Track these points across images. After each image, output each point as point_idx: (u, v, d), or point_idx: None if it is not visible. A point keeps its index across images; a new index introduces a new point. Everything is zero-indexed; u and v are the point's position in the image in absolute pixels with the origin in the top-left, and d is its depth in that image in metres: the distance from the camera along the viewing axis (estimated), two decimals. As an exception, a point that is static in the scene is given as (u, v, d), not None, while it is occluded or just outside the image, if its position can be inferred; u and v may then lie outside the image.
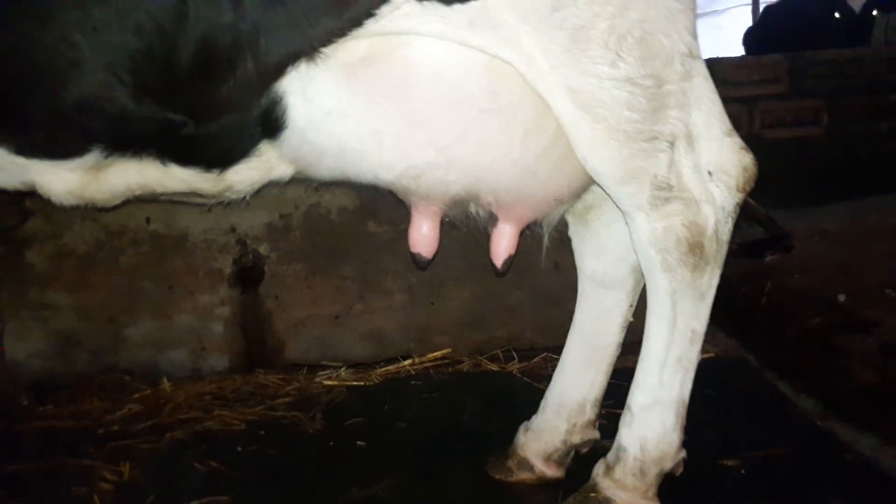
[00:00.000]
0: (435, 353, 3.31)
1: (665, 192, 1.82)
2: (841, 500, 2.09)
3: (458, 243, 3.02)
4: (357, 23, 1.67)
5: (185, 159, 1.88)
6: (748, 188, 1.90)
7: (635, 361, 2.01)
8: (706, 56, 1.92)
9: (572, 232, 2.27)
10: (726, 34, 11.93)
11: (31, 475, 2.42)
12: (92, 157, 1.82)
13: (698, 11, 1.89)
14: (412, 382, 3.10)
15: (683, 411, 1.97)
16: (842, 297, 3.05)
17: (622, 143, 1.77)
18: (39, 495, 2.31)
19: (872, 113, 4.70)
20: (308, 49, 1.69)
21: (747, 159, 1.90)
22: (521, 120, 1.82)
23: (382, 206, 3.26)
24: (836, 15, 6.76)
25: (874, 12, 6.65)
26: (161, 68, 1.66)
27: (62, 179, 1.88)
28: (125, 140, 1.82)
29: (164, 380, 3.12)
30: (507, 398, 2.88)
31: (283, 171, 1.97)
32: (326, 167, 1.93)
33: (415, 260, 2.09)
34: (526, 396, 2.69)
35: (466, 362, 3.26)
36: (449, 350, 3.32)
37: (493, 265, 2.09)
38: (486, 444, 2.41)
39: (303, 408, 2.85)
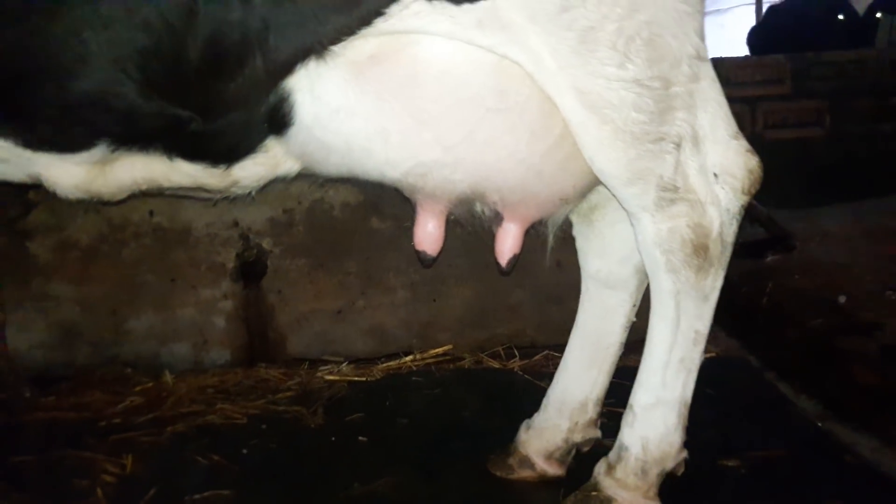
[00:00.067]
0: (436, 350, 3.32)
1: (671, 193, 1.82)
2: (841, 502, 2.10)
3: (461, 241, 3.02)
4: (366, 21, 1.67)
5: (191, 154, 1.89)
6: (753, 191, 1.91)
7: (636, 360, 2.02)
8: (709, 55, 1.92)
9: (576, 231, 2.27)
10: (729, 33, 11.94)
11: (33, 467, 2.43)
12: (99, 152, 1.82)
13: (701, 10, 1.90)
14: (413, 379, 3.11)
15: (685, 411, 1.98)
16: (842, 299, 3.06)
17: (629, 144, 1.77)
18: (42, 487, 2.31)
19: (875, 114, 4.72)
20: (317, 47, 1.69)
21: (753, 162, 1.91)
22: (528, 120, 1.83)
23: (386, 202, 3.27)
24: (840, 16, 6.75)
25: (878, 14, 6.65)
26: (169, 64, 1.67)
27: (69, 173, 1.88)
28: (132, 135, 1.82)
29: (166, 373, 3.13)
30: (508, 395, 2.89)
31: (289, 167, 1.98)
32: (333, 164, 1.93)
33: (420, 258, 2.10)
34: (527, 394, 2.71)
35: (468, 359, 3.27)
36: (450, 347, 3.33)
37: (497, 264, 2.10)
38: (487, 441, 2.42)
39: (304, 402, 2.86)
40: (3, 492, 2.29)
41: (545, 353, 3.22)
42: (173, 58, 1.65)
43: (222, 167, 1.91)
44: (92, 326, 3.21)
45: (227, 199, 2.17)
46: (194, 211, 3.24)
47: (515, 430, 2.35)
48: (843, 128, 4.68)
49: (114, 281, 3.21)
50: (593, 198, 2.17)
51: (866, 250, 3.65)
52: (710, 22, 1.91)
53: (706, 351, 1.98)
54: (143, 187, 1.98)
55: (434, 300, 3.37)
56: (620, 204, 1.92)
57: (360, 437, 2.59)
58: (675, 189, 1.82)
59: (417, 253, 2.09)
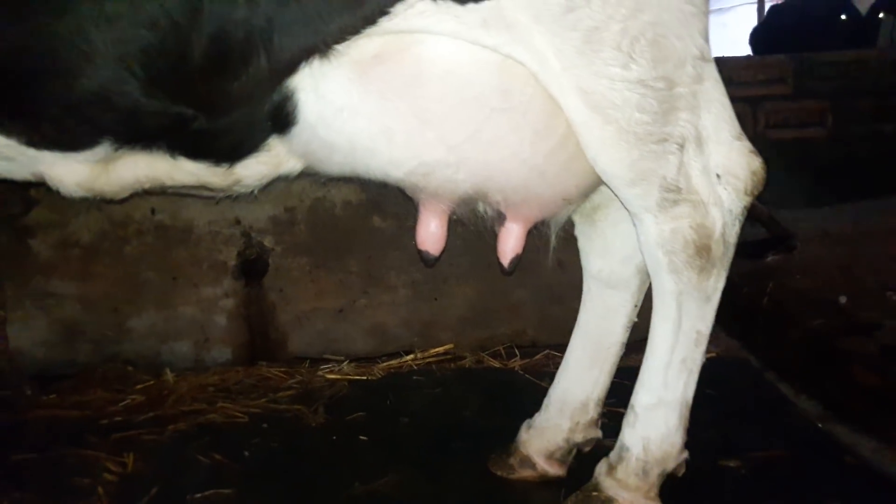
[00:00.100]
0: (437, 349, 3.32)
1: (674, 194, 1.82)
2: (841, 503, 2.10)
3: (462, 240, 3.03)
4: (371, 20, 1.67)
5: (194, 153, 1.89)
6: (756, 192, 1.91)
7: (637, 360, 2.03)
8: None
9: (579, 231, 2.27)
10: (731, 32, 11.94)
11: (34, 465, 2.43)
12: (102, 150, 1.82)
13: (703, 9, 1.89)
14: (414, 378, 3.11)
15: (687, 412, 1.98)
16: (843, 299, 3.06)
17: (632, 144, 1.77)
18: (43, 486, 2.31)
19: (877, 115, 4.70)
20: (321, 46, 1.69)
21: (756, 163, 1.91)
22: (532, 120, 1.83)
23: (387, 200, 3.27)
24: (843, 16, 6.74)
25: (881, 14, 6.64)
26: (174, 63, 1.66)
27: (72, 171, 1.88)
28: (136, 133, 1.82)
29: (168, 371, 3.13)
30: (509, 395, 2.89)
31: (292, 165, 1.98)
32: (336, 163, 1.93)
33: (422, 258, 2.10)
34: (528, 393, 2.71)
35: (469, 358, 3.28)
36: (451, 346, 3.33)
37: (499, 264, 2.10)
38: (488, 440, 2.42)
39: (305, 401, 2.87)
40: (4, 490, 2.29)
41: (546, 352, 3.22)
42: (178, 56, 1.65)
43: (225, 166, 1.91)
44: (93, 324, 3.21)
45: (229, 198, 2.17)
46: (196, 209, 3.24)
47: (516, 429, 2.36)
48: (844, 128, 4.66)
49: (115, 279, 3.21)
50: (596, 198, 2.17)
51: (867, 251, 3.65)
52: (711, 21, 1.90)
53: (707, 351, 1.98)
54: (146, 186, 1.98)
55: (435, 299, 3.37)
56: (623, 204, 1.92)
57: (362, 437, 2.59)
58: (678, 190, 1.82)
59: (420, 253, 2.10)
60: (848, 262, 3.50)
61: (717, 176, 1.88)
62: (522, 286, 3.36)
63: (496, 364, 3.23)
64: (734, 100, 1.94)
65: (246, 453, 2.49)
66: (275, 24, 1.64)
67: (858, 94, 4.66)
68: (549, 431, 2.28)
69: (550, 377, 2.38)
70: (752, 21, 12.18)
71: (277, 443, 2.57)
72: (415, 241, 2.10)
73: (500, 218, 2.04)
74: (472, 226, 2.08)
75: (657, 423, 1.96)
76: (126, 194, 2.00)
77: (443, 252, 2.11)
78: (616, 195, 1.92)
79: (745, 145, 1.91)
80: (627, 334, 2.26)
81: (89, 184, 1.91)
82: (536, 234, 2.16)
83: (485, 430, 2.57)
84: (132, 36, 1.63)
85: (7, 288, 3.15)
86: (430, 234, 2.06)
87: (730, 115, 1.90)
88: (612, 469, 2.00)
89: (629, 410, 2.01)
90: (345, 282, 3.33)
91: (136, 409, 2.83)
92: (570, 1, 1.65)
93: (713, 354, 3.08)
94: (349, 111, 1.79)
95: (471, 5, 1.66)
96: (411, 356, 3.29)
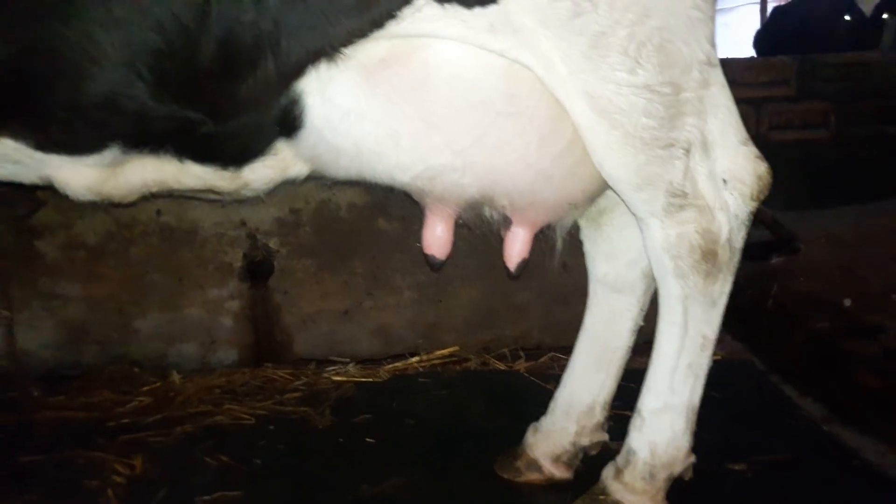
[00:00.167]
0: (443, 351, 3.32)
1: (680, 199, 1.83)
2: (846, 506, 2.12)
3: (467, 242, 3.04)
4: (378, 24, 1.68)
5: (202, 157, 1.89)
6: (762, 197, 1.92)
7: (643, 363, 2.03)
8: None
9: (584, 235, 2.28)
10: (734, 33, 11.93)
11: (42, 467, 2.44)
12: (110, 154, 1.83)
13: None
14: (420, 379, 3.12)
15: (693, 416, 1.98)
16: (847, 302, 3.06)
17: (638, 149, 1.78)
18: (53, 487, 2.32)
19: (880, 116, 4.70)
20: (328, 49, 1.69)
21: (762, 168, 1.91)
22: (538, 124, 1.83)
23: (393, 203, 3.27)
24: (846, 17, 6.73)
25: (884, 15, 6.63)
26: (182, 66, 1.67)
27: (80, 175, 1.89)
28: (143, 137, 1.82)
29: (174, 372, 3.13)
30: (514, 397, 2.90)
31: (299, 169, 1.98)
32: (343, 167, 1.93)
33: (428, 261, 2.10)
34: (533, 396, 2.72)
35: (474, 360, 3.28)
36: (456, 348, 3.34)
37: (506, 268, 2.10)
38: (494, 442, 2.43)
39: (312, 403, 2.87)
40: (12, 492, 2.30)
41: (551, 354, 3.22)
42: (186, 59, 1.65)
43: (233, 169, 1.92)
44: (99, 325, 3.21)
45: (236, 201, 2.18)
46: (202, 210, 3.24)
47: (522, 431, 2.36)
48: (848, 130, 4.66)
49: (121, 280, 3.22)
50: (601, 202, 2.17)
51: (871, 253, 3.65)
52: (713, 21, 1.90)
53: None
54: (154, 189, 1.99)
55: (440, 301, 3.38)
56: (629, 209, 1.93)
57: (368, 439, 2.60)
58: (684, 195, 1.83)
59: (426, 257, 2.10)
60: (851, 265, 3.50)
61: (724, 181, 1.89)
62: (527, 288, 3.36)
63: (501, 366, 3.24)
64: (737, 101, 1.94)
65: (254, 456, 2.50)
66: (282, 28, 1.65)
67: (862, 95, 4.65)
68: (556, 435, 2.29)
69: (555, 380, 2.39)
70: (755, 21, 12.18)
71: (284, 444, 2.58)
72: (420, 244, 2.11)
73: (507, 222, 2.04)
74: (478, 230, 2.08)
75: (664, 428, 1.97)
76: (134, 198, 2.00)
77: (449, 256, 2.12)
78: (622, 200, 1.92)
79: (752, 150, 1.92)
80: (633, 338, 2.26)
81: (97, 187, 1.91)
82: (541, 237, 2.17)
83: (490, 432, 2.58)
84: (140, 39, 1.64)
85: (13, 289, 3.16)
86: (437, 238, 2.06)
87: (736, 120, 1.91)
88: (618, 473, 2.01)
89: (636, 414, 2.02)
90: (350, 283, 3.34)
91: (143, 410, 2.84)
92: (576, 6, 1.65)
93: (718, 357, 3.07)
94: (356, 115, 1.79)
95: (478, 10, 1.66)
96: (416, 358, 3.29)
